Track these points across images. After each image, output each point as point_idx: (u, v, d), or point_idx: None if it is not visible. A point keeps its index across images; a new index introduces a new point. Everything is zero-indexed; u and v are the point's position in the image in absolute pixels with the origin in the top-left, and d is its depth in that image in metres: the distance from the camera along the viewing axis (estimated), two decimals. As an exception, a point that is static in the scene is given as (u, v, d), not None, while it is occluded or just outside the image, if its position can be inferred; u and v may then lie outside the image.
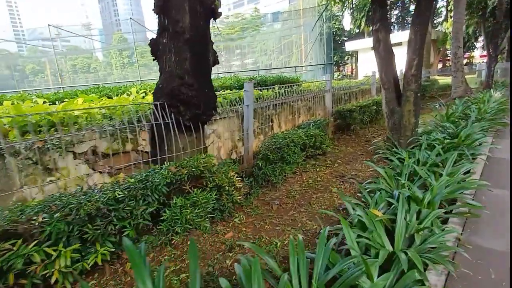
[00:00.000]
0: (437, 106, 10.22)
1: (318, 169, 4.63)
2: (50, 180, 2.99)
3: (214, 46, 3.48)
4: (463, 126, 5.01)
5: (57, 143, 2.90)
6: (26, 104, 4.72)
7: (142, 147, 3.77)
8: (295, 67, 16.97)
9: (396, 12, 38.66)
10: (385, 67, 4.51)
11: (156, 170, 2.57)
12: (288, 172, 3.97)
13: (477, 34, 23.06)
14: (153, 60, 3.24)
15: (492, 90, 9.17)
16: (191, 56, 3.05)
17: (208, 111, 3.32)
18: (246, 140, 4.25)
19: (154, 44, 3.06)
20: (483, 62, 15.35)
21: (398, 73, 4.75)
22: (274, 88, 6.14)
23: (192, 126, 3.27)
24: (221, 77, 9.50)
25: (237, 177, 3.21)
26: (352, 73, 42.45)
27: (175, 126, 3.27)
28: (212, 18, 3.21)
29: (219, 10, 3.20)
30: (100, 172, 3.37)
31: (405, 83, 4.30)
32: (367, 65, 32.24)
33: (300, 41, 33.55)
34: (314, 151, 4.81)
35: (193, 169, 2.64)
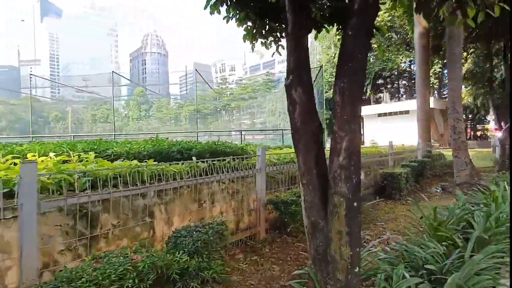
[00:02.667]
0: (437, 190, 7.99)
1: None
2: None
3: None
4: (458, 256, 2.80)
5: None
6: None
7: None
8: (283, 130, 15.44)
9: (404, 82, 38.45)
10: (303, 146, 2.59)
11: None
12: None
13: (487, 106, 21.14)
14: None
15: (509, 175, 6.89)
16: None
17: None
18: (20, 268, 2.24)
19: None
20: (496, 135, 13.31)
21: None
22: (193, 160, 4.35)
23: None
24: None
25: None
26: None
27: None
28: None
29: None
30: None
31: (331, 180, 2.32)
32: (375, 133, 30.71)
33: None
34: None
35: None
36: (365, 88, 35.11)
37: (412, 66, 32.91)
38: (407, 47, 27.25)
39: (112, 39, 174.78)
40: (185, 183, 3.80)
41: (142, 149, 5.19)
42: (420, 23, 10.75)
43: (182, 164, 4.05)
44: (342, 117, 2.25)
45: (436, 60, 23.17)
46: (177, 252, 2.69)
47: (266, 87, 60.57)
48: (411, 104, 28.65)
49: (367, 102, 35.61)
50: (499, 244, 3.14)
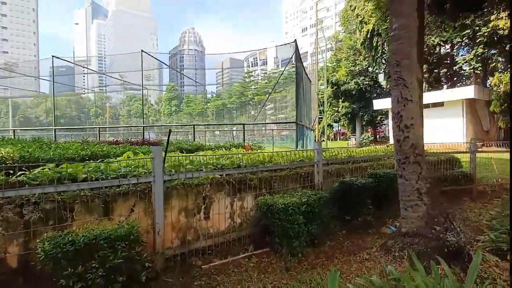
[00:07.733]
0: (391, 229, 4.72)
1: None
2: None
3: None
4: None
5: None
6: None
7: None
8: (258, 124, 12.61)
9: (445, 70, 32.54)
10: None
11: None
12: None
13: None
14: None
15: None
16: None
17: None
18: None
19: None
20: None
21: None
22: None
23: None
24: None
25: None
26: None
27: None
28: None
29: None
30: None
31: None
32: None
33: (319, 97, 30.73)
34: None
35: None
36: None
37: (452, 49, 27.31)
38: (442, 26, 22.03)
39: (154, 38, 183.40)
40: None
41: None
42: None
43: None
44: None
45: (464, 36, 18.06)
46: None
47: (291, 80, 57.27)
48: (446, 95, 23.34)
49: (395, 94, 30.66)
50: None
